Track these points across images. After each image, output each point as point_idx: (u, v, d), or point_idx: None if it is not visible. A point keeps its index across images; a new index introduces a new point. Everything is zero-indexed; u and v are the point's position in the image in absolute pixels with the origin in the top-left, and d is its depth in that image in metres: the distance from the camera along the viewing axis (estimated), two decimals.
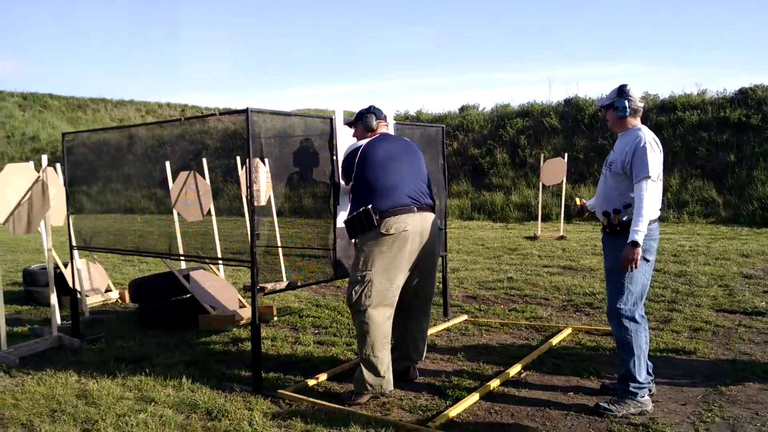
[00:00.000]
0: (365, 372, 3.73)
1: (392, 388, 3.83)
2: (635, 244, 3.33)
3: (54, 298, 5.48)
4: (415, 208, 3.83)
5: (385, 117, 4.18)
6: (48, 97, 31.40)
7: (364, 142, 3.95)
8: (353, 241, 4.00)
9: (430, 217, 3.94)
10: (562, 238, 11.11)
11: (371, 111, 4.07)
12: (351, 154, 3.94)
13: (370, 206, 3.74)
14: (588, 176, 15.22)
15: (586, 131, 16.22)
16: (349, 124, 4.26)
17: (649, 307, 5.83)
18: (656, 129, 15.44)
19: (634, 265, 3.36)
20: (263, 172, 5.41)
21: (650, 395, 3.63)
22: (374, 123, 4.05)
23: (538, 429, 3.40)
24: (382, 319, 3.75)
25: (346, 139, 4.36)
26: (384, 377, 3.75)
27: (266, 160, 7.15)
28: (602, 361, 4.43)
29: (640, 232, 3.32)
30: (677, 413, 3.53)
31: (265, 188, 6.03)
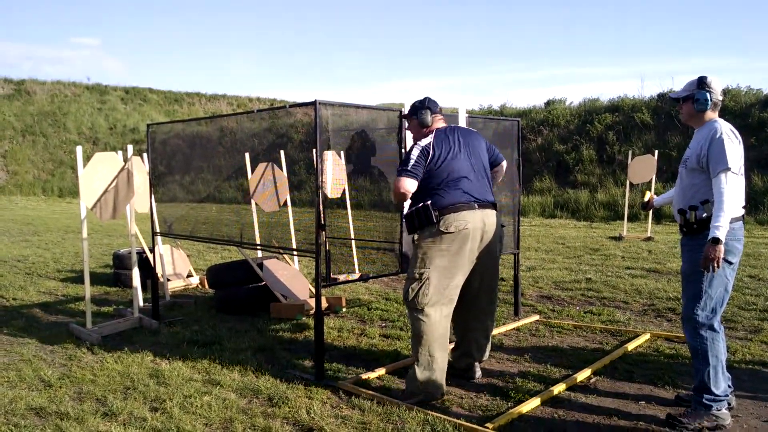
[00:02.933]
0: (418, 371, 3.66)
1: (444, 392, 3.72)
2: (716, 240, 3.07)
3: (137, 281, 5.76)
4: (476, 205, 3.72)
5: (440, 110, 4.01)
6: (148, 91, 33.12)
7: (426, 140, 3.81)
8: (413, 237, 3.94)
9: (491, 214, 3.82)
10: (649, 239, 10.60)
11: (426, 106, 3.93)
12: (412, 150, 3.87)
13: (429, 202, 3.67)
14: None
15: (680, 127, 15.39)
16: (405, 116, 4.18)
17: (738, 316, 5.45)
18: (758, 126, 14.44)
19: (715, 265, 3.10)
20: (330, 164, 5.42)
21: (729, 409, 3.38)
22: (429, 119, 3.91)
23: None
24: (439, 317, 3.68)
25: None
26: (437, 378, 3.67)
27: (342, 152, 7.22)
28: (680, 370, 4.17)
29: (721, 227, 3.07)
30: (758, 430, 3.27)
31: (332, 180, 6.06)
